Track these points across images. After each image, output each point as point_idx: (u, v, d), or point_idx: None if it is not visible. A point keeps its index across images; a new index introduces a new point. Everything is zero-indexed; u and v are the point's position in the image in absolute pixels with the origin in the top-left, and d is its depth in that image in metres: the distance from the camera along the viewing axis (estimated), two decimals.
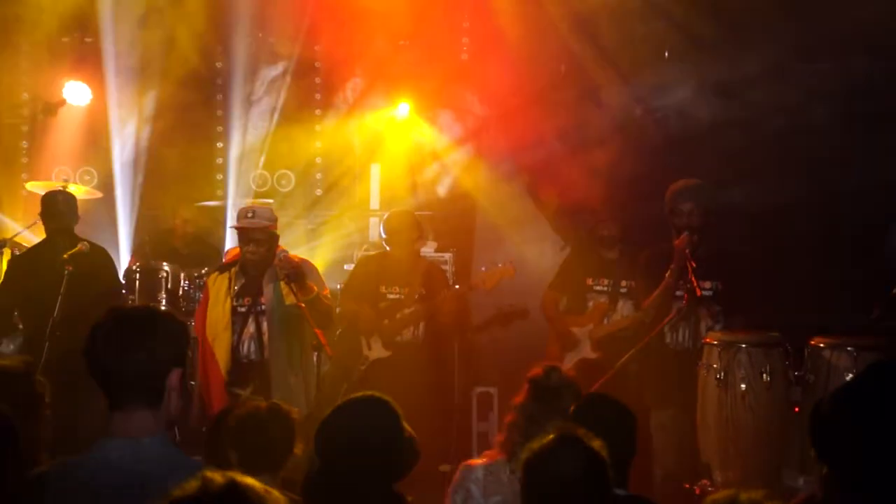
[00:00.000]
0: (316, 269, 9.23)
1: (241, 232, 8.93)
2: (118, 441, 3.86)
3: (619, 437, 5.07)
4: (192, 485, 3.03)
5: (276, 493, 3.13)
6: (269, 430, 5.52)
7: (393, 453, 4.44)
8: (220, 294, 9.02)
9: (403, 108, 12.15)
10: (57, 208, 10.05)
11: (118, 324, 3.95)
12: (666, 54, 11.53)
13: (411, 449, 4.58)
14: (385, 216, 10.78)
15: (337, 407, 4.57)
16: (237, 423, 5.59)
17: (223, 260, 10.14)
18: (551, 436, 4.43)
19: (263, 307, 8.92)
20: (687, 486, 8.86)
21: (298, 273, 8.65)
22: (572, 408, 5.47)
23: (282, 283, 8.77)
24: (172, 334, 4.01)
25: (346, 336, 10.29)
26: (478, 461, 5.83)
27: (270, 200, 11.64)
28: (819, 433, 3.75)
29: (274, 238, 8.96)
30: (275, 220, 9.03)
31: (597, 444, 4.40)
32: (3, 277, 10.11)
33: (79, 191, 11.56)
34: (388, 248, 10.43)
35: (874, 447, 3.58)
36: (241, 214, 9.00)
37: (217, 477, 3.05)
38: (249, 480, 3.10)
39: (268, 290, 8.89)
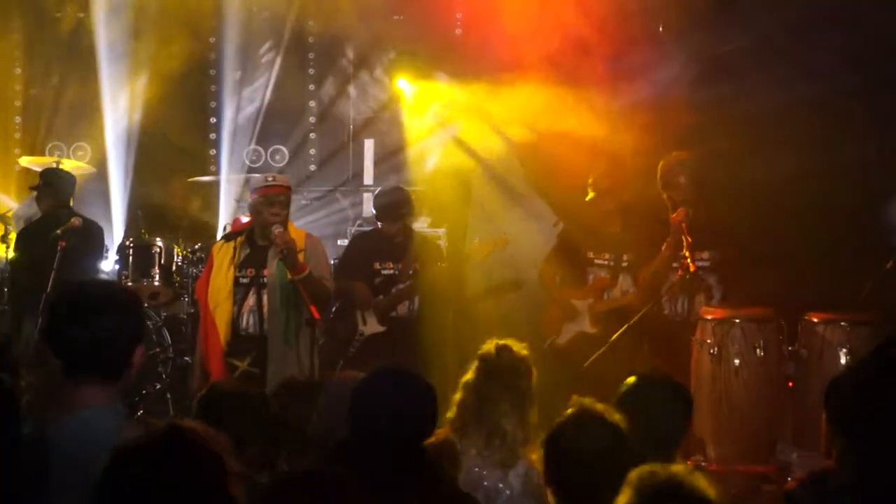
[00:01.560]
0: (321, 247, 9.23)
1: (263, 195, 8.91)
2: (76, 414, 3.85)
3: (668, 417, 5.08)
4: (132, 434, 3.05)
5: (219, 437, 3.14)
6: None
7: (428, 426, 4.44)
8: (223, 263, 9.01)
9: (400, 83, 12.12)
10: (62, 183, 10.10)
11: (79, 296, 3.97)
12: (660, 28, 11.50)
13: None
14: (375, 193, 10.80)
15: (371, 380, 4.54)
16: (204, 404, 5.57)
17: (227, 231, 10.15)
18: (571, 410, 4.44)
19: (265, 280, 8.91)
20: (680, 460, 8.88)
21: (292, 253, 8.65)
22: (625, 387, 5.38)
23: None
24: (135, 309, 4.03)
25: (342, 311, 10.31)
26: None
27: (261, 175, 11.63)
28: (839, 409, 3.76)
29: (290, 204, 8.99)
30: (291, 186, 9.10)
31: (620, 420, 4.40)
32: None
33: (72, 166, 11.58)
34: (380, 225, 10.44)
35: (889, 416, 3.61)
36: (262, 179, 9.04)
37: (158, 423, 3.08)
38: (191, 423, 3.11)
39: (272, 263, 8.88)
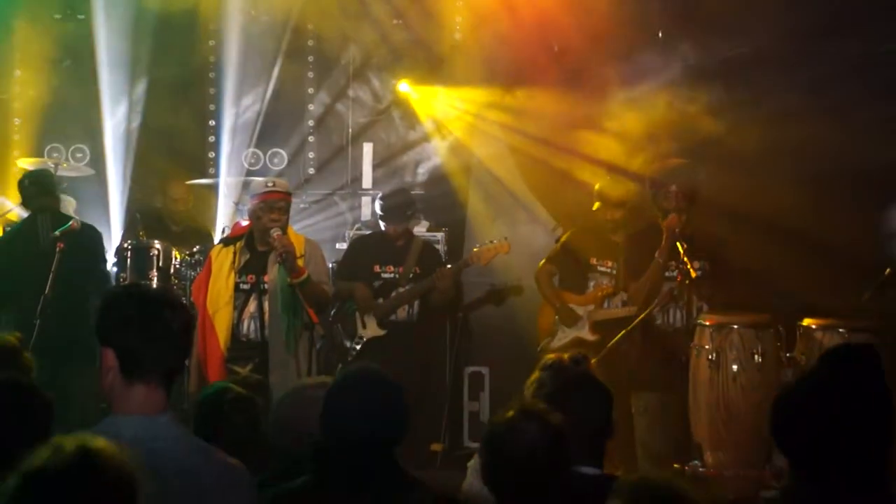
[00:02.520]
0: (320, 251, 9.27)
1: (263, 201, 8.92)
2: (133, 418, 3.81)
3: (593, 414, 5.07)
4: (39, 453, 3.00)
5: (128, 454, 3.10)
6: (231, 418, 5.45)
7: (398, 428, 4.40)
8: (223, 268, 9.04)
9: (402, 87, 12.12)
10: (47, 185, 10.08)
11: (144, 297, 3.94)
12: (659, 34, 11.51)
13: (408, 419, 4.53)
14: (380, 195, 10.82)
15: (340, 384, 4.51)
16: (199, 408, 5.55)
17: (226, 234, 10.15)
18: (511, 411, 4.41)
19: (266, 286, 8.93)
20: (677, 466, 8.90)
21: (291, 257, 8.67)
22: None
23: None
24: (188, 312, 4.04)
25: (341, 315, 10.32)
26: None
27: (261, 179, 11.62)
28: (775, 423, 3.72)
29: (289, 209, 9.01)
30: (290, 191, 9.11)
31: (556, 418, 4.36)
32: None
33: (70, 169, 11.59)
34: (382, 227, 10.45)
35: (827, 435, 3.55)
36: (261, 184, 9.08)
37: (67, 442, 3.02)
38: (101, 443, 3.06)
39: (272, 269, 8.90)
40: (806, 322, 8.87)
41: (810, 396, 3.62)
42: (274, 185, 8.98)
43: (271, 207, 8.88)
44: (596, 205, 10.10)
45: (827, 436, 3.52)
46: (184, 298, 10.25)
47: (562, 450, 4.32)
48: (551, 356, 5.80)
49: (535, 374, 5.54)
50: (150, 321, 3.83)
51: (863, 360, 3.66)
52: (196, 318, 3.91)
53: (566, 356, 5.76)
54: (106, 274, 10.32)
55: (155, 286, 3.90)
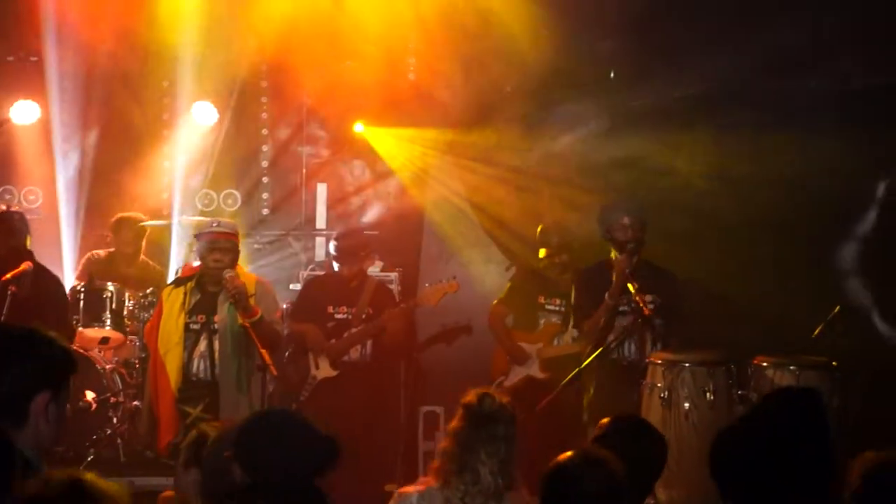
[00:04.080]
0: (271, 292, 9.27)
1: (207, 240, 8.93)
2: None
3: (646, 461, 5.13)
4: (32, 483, 3.00)
5: (120, 490, 3.10)
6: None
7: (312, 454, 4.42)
8: (174, 308, 9.03)
9: (357, 127, 12.15)
10: (14, 226, 10.02)
11: None
12: (612, 74, 11.60)
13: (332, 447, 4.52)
14: (335, 234, 10.83)
15: (247, 427, 4.53)
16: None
17: (177, 275, 10.13)
18: (571, 453, 4.47)
19: (216, 326, 8.92)
20: None
21: (242, 297, 8.66)
22: (598, 431, 5.43)
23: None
24: (48, 358, 3.95)
25: (294, 356, 10.30)
26: (411, 489, 5.75)
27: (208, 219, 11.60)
28: (714, 458, 3.74)
29: (237, 250, 8.99)
30: (237, 231, 9.08)
31: (619, 467, 4.43)
32: None
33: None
34: (336, 267, 10.45)
35: (762, 472, 3.56)
36: (206, 224, 9.09)
37: (58, 474, 3.02)
38: (91, 477, 3.06)
39: (222, 309, 8.90)
40: (757, 360, 8.91)
41: (748, 434, 3.64)
42: (219, 226, 8.99)
43: (215, 248, 8.89)
44: (542, 252, 10.16)
45: (762, 472, 3.55)
46: (136, 342, 10.28)
47: (622, 498, 4.39)
48: (468, 397, 5.84)
49: (458, 412, 5.65)
50: None
51: (804, 402, 3.68)
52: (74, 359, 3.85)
53: (474, 394, 5.80)
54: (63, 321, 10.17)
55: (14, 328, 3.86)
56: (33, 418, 3.86)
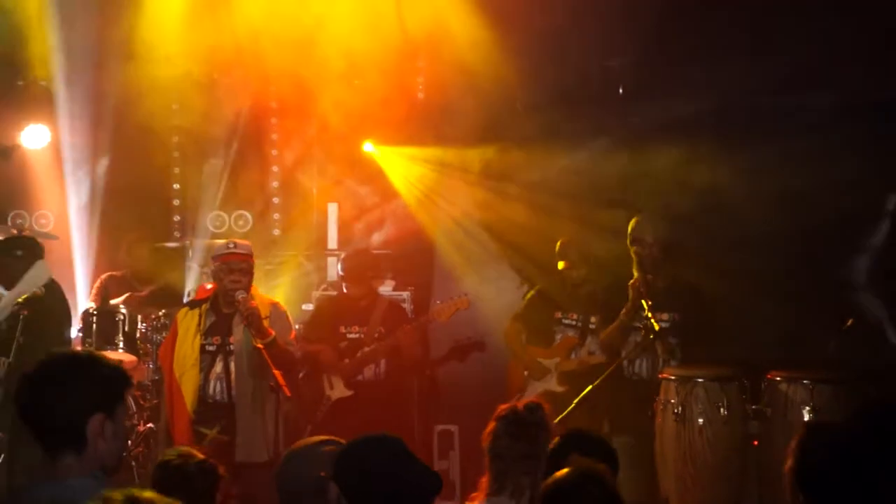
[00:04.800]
0: (285, 314, 9.25)
1: (224, 262, 8.94)
2: (44, 486, 3.88)
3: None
4: None
5: None
6: (193, 483, 5.45)
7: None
8: (189, 330, 9.04)
9: (367, 146, 12.17)
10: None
11: (41, 369, 3.97)
12: (620, 90, 11.60)
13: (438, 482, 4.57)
14: (342, 255, 10.85)
15: (354, 448, 4.55)
16: (160, 474, 5.55)
17: (191, 297, 10.14)
18: (568, 469, 4.50)
19: (232, 347, 8.93)
20: None
21: (256, 319, 8.68)
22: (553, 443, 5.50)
23: None
24: (97, 378, 4.00)
25: (308, 377, 10.30)
26: None
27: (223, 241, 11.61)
28: (810, 472, 3.71)
29: (253, 271, 9.00)
30: (252, 253, 9.09)
31: (615, 482, 4.52)
32: None
33: (32, 234, 11.52)
34: (344, 289, 10.47)
35: (863, 494, 3.55)
36: (222, 246, 9.09)
37: (116, 495, 3.05)
38: (148, 494, 3.09)
39: (238, 330, 8.92)
40: (770, 374, 8.89)
41: (848, 449, 3.62)
42: (235, 247, 9.00)
43: (231, 269, 8.91)
44: (560, 264, 10.15)
45: (863, 489, 3.53)
46: (150, 364, 10.28)
47: None
48: (505, 406, 5.87)
49: (491, 425, 5.64)
50: (28, 391, 3.93)
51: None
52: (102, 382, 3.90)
53: (520, 405, 5.84)
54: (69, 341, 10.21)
55: (63, 353, 3.90)
56: (91, 440, 3.91)
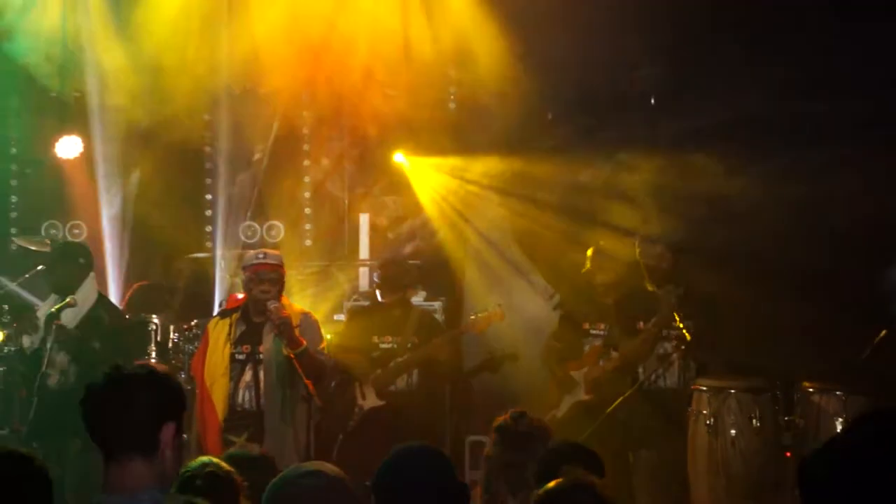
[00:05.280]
0: (315, 323, 9.25)
1: (254, 272, 8.96)
2: (115, 498, 3.88)
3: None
4: None
5: None
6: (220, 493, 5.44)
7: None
8: (219, 340, 9.06)
9: (397, 157, 12.19)
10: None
11: (118, 378, 4.00)
12: (652, 101, 11.59)
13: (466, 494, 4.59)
14: (377, 264, 10.87)
15: (398, 458, 4.55)
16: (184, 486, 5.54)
17: (222, 307, 10.16)
18: (561, 480, 4.48)
19: (262, 356, 8.95)
20: None
21: (287, 328, 8.69)
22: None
23: None
24: (169, 389, 4.06)
25: (340, 386, 10.31)
26: None
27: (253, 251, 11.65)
28: (813, 493, 3.66)
29: (283, 281, 9.02)
30: (283, 262, 9.11)
31: (608, 492, 4.44)
32: None
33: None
34: (379, 297, 10.48)
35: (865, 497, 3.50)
36: (252, 256, 9.09)
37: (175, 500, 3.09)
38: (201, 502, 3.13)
39: (267, 339, 8.93)
40: (803, 385, 8.87)
41: (851, 459, 3.57)
42: (265, 257, 9.01)
43: (262, 279, 8.92)
44: (587, 265, 10.13)
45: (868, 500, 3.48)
46: (181, 374, 10.31)
47: None
48: (500, 418, 5.95)
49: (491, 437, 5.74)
50: (107, 400, 3.95)
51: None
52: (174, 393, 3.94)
53: (508, 415, 5.91)
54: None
55: (137, 365, 3.92)
56: (162, 447, 3.96)
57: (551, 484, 4.49)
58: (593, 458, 5.40)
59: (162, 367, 4.26)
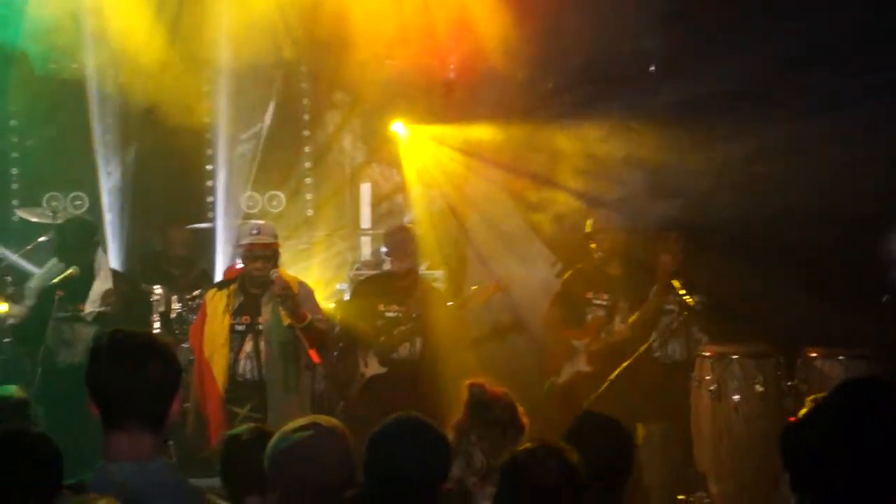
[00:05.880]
0: (312, 292, 9.27)
1: (248, 249, 8.96)
2: (122, 465, 3.84)
3: (613, 456, 5.15)
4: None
5: None
6: (254, 452, 5.48)
7: (441, 472, 4.48)
8: (217, 311, 9.06)
9: (395, 126, 12.16)
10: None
11: (126, 343, 3.95)
12: (652, 68, 11.56)
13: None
14: (386, 230, 10.84)
15: (387, 429, 4.55)
16: (224, 448, 5.59)
17: (221, 277, 10.16)
18: (530, 444, 4.52)
19: (261, 327, 8.96)
20: (681, 497, 8.90)
21: (290, 297, 8.69)
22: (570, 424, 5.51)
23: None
24: (174, 360, 4.03)
25: (343, 354, 10.32)
26: None
27: (261, 222, 11.63)
28: (790, 460, 3.67)
29: (277, 255, 9.01)
30: (276, 235, 9.09)
31: (575, 457, 4.47)
32: None
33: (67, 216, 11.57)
34: (391, 265, 10.43)
35: (845, 473, 3.50)
36: (246, 231, 9.07)
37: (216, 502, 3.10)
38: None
39: (266, 310, 8.94)
40: (806, 351, 8.87)
41: (829, 427, 3.57)
42: (258, 234, 8.96)
43: (255, 257, 8.92)
44: (589, 242, 10.12)
45: (845, 468, 3.48)
46: (184, 344, 10.32)
47: (578, 489, 4.43)
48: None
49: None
50: (124, 369, 3.88)
51: (880, 392, 3.63)
52: (176, 360, 3.91)
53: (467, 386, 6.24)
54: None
55: (143, 333, 3.85)
56: (169, 419, 3.95)
57: (519, 448, 4.55)
58: (620, 430, 5.41)
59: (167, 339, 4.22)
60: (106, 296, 9.68)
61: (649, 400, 9.35)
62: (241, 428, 5.72)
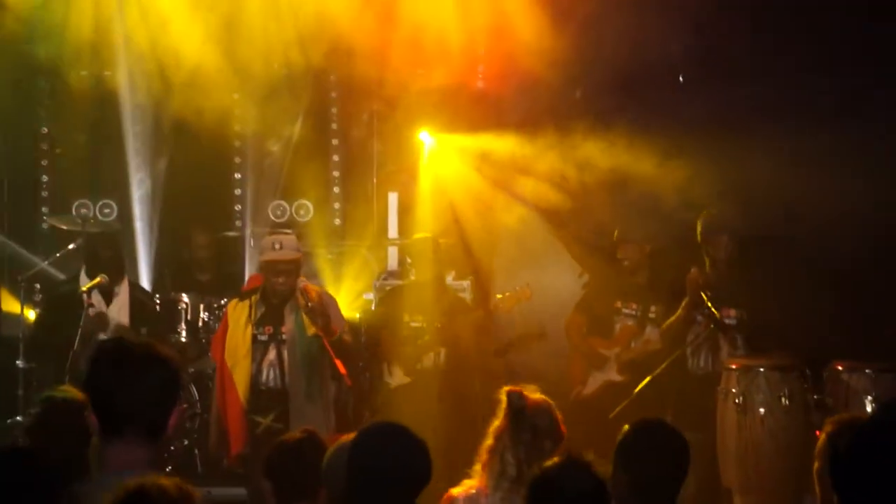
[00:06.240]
0: (335, 302, 9.28)
1: (270, 264, 8.96)
2: (111, 476, 3.78)
3: (670, 464, 5.18)
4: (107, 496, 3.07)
5: (193, 493, 3.16)
6: (304, 457, 5.53)
7: (420, 479, 4.49)
8: (240, 321, 9.07)
9: (422, 136, 12.16)
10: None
11: (128, 351, 3.96)
12: (680, 79, 11.53)
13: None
14: (411, 241, 10.83)
15: (365, 435, 4.58)
16: (272, 453, 5.63)
17: (243, 287, 10.18)
18: (558, 458, 4.53)
19: (284, 336, 8.97)
20: None
21: (320, 312, 8.69)
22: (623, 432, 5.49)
23: (303, 314, 8.83)
24: (175, 373, 4.02)
25: (368, 364, 10.33)
26: (458, 491, 5.90)
27: (289, 231, 11.63)
28: (841, 479, 3.64)
29: (299, 268, 9.02)
30: (299, 249, 9.10)
31: (604, 472, 4.50)
32: None
33: (96, 224, 11.63)
34: (412, 275, 10.43)
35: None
36: (268, 246, 9.05)
37: (131, 483, 3.09)
38: (166, 482, 3.12)
39: (289, 319, 8.95)
40: (832, 364, 8.82)
41: (879, 450, 3.53)
42: (280, 249, 8.95)
43: (278, 272, 8.92)
44: (617, 252, 10.12)
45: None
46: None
47: (606, 501, 4.46)
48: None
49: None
50: (123, 375, 3.88)
51: None
52: (178, 373, 3.90)
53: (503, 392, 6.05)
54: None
55: (146, 342, 3.85)
56: (167, 430, 3.97)
57: (547, 462, 4.55)
58: (678, 439, 5.39)
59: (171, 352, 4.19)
60: (120, 330, 9.70)
61: (679, 411, 9.31)
62: (292, 434, 5.77)
